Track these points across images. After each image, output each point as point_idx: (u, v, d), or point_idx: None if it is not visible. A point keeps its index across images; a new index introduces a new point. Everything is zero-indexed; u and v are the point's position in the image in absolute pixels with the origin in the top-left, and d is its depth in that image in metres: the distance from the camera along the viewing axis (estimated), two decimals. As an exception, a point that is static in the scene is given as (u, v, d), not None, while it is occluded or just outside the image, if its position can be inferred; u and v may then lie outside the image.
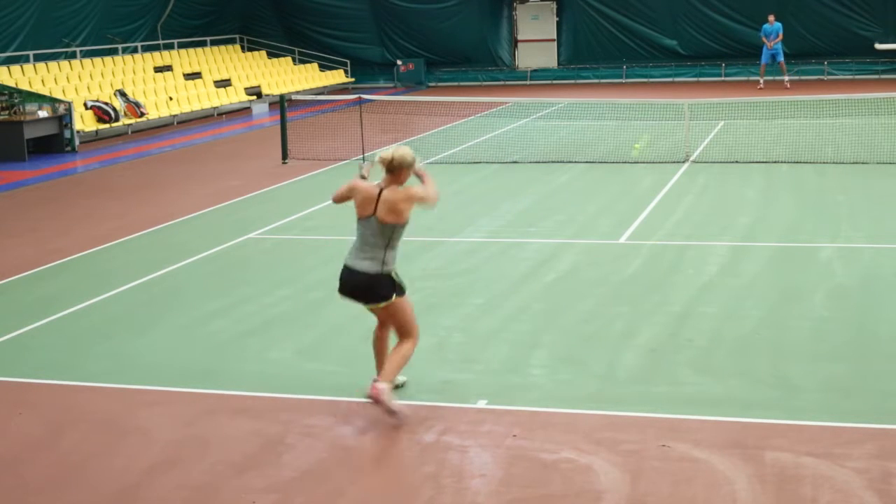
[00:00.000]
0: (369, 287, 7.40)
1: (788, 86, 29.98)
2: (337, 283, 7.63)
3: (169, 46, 31.38)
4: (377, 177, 7.53)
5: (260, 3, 35.76)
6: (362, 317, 9.89)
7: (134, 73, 28.20)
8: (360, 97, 21.71)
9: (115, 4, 29.35)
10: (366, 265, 7.36)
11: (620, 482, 6.43)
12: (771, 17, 30.23)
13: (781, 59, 30.36)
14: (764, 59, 30.37)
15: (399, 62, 35.28)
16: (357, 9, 35.45)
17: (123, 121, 25.35)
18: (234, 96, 29.92)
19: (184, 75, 29.62)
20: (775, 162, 17.69)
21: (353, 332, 9.47)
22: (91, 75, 26.82)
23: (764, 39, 30.24)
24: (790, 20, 32.62)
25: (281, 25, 36.13)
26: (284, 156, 19.73)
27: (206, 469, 6.87)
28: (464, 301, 10.35)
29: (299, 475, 6.74)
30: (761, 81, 30.36)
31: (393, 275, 7.43)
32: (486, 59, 35.70)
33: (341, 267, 7.55)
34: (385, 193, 7.34)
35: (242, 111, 29.77)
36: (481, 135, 22.31)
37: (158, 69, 29.14)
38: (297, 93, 30.94)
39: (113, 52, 29.04)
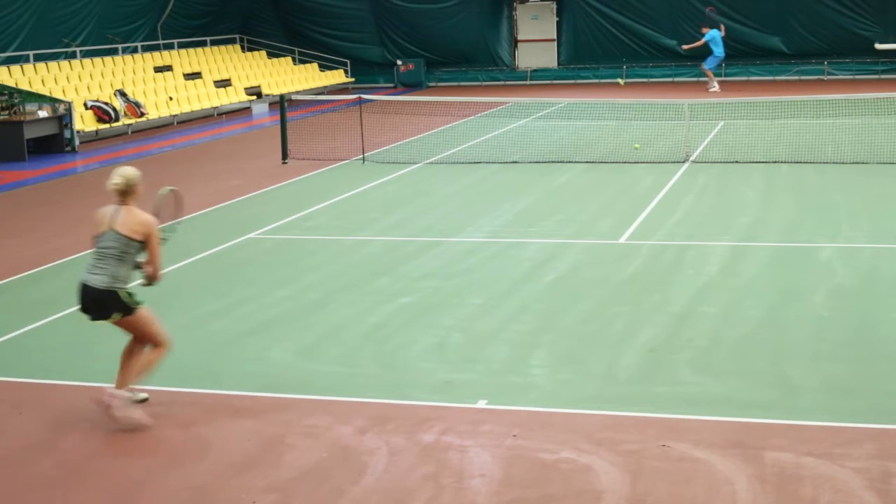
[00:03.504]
0: (100, 303, 7.45)
1: (713, 90, 30.12)
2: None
3: (169, 46, 31.38)
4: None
5: (260, 3, 35.75)
6: (362, 317, 9.94)
7: (134, 73, 28.20)
8: (360, 97, 21.71)
9: (115, 4, 29.34)
10: (95, 280, 7.41)
11: (620, 482, 6.43)
12: (706, 30, 30.52)
13: (708, 65, 30.46)
14: (713, 64, 30.69)
15: (399, 62, 35.28)
16: (357, 9, 35.45)
17: (123, 121, 25.35)
18: (234, 96, 29.92)
19: (184, 75, 29.62)
20: (775, 162, 17.69)
21: (353, 332, 9.48)
22: (91, 75, 26.82)
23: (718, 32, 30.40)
24: (790, 20, 32.66)
25: (281, 25, 36.13)
26: (284, 156, 19.73)
27: (206, 469, 6.87)
28: (464, 301, 10.35)
29: (299, 475, 6.74)
30: (715, 84, 30.34)
31: (121, 292, 7.46)
32: (486, 59, 35.69)
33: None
34: (122, 211, 7.45)
35: (242, 111, 29.77)
36: (481, 135, 22.31)
37: (158, 69, 29.14)
38: (297, 93, 30.94)
39: (113, 52, 29.03)
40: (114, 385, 7.55)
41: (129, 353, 7.70)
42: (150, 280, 7.58)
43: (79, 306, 7.60)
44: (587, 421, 7.38)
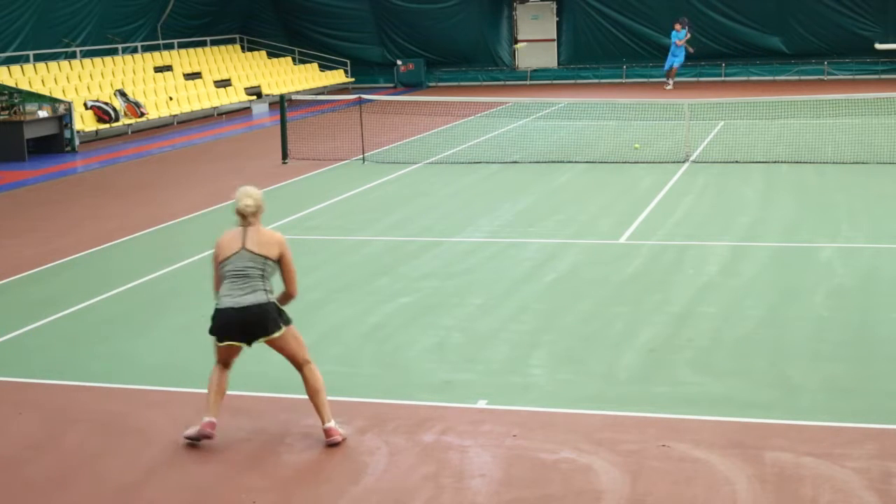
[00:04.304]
0: (263, 318, 7.06)
1: (667, 87, 31.04)
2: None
3: (169, 46, 31.38)
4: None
5: (260, 3, 35.75)
6: (362, 317, 9.93)
7: (134, 73, 28.20)
8: (360, 97, 21.71)
9: (115, 4, 29.34)
10: (250, 298, 7.04)
11: (620, 482, 6.43)
12: (678, 26, 31.29)
13: (677, 64, 31.41)
14: (667, 65, 31.62)
15: (399, 62, 35.28)
16: (357, 9, 35.44)
17: (123, 121, 25.35)
18: (234, 96, 29.92)
19: (184, 75, 29.62)
20: (775, 162, 17.69)
21: (353, 332, 9.48)
22: (91, 75, 26.82)
23: (679, 42, 31.33)
24: (790, 20, 32.65)
25: (281, 25, 36.12)
26: (284, 156, 19.73)
27: (206, 469, 6.87)
28: (464, 301, 10.35)
29: (299, 475, 6.74)
30: (670, 83, 31.30)
31: (277, 303, 7.20)
32: (486, 59, 35.69)
33: (216, 315, 7.12)
34: (250, 231, 7.17)
35: (242, 111, 29.77)
36: (481, 135, 22.31)
37: (158, 69, 29.14)
38: (297, 93, 30.94)
39: (113, 52, 29.03)
40: (326, 424, 7.18)
41: (220, 384, 7.29)
42: (288, 298, 7.31)
43: (226, 334, 7.09)
44: (587, 421, 7.38)
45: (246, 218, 7.17)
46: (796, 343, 8.87)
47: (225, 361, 7.31)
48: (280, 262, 7.20)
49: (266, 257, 7.13)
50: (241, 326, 7.08)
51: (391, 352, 8.99)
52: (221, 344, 7.16)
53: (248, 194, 7.20)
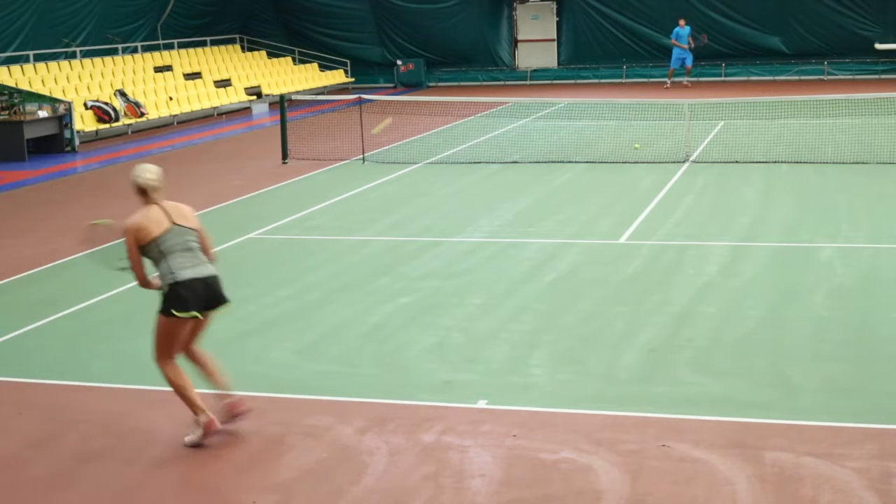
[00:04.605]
0: (221, 287, 7.27)
1: (689, 85, 31.38)
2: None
3: (169, 46, 31.38)
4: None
5: (260, 3, 35.76)
6: (362, 317, 9.94)
7: (134, 73, 28.21)
8: (360, 97, 21.72)
9: (115, 4, 29.35)
10: (207, 269, 7.19)
11: (620, 482, 6.43)
12: (682, 21, 31.73)
13: (690, 63, 31.79)
14: (673, 63, 31.91)
15: (399, 62, 35.29)
16: (357, 9, 35.46)
17: (123, 121, 25.35)
18: (234, 96, 29.92)
19: (184, 75, 29.62)
20: (775, 162, 17.69)
21: (353, 332, 9.48)
22: (91, 75, 26.82)
23: (675, 42, 31.67)
24: (790, 20, 32.66)
25: (281, 25, 36.14)
26: (284, 156, 19.74)
27: (206, 469, 6.87)
28: (464, 301, 10.35)
29: (299, 475, 6.74)
30: (668, 82, 31.74)
31: None
32: (486, 59, 35.70)
33: (180, 288, 7.07)
34: (166, 207, 7.18)
35: (242, 111, 29.77)
36: (481, 135, 22.31)
37: (158, 69, 29.14)
38: (297, 93, 30.94)
39: (113, 52, 29.04)
40: (225, 395, 7.33)
41: (187, 379, 7.32)
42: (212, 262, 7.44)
43: (193, 305, 7.10)
44: (587, 421, 7.38)
45: (148, 194, 7.17)
46: (796, 343, 8.87)
47: (172, 352, 7.26)
48: (198, 231, 7.31)
49: (192, 229, 7.25)
50: (207, 296, 7.18)
51: (391, 352, 8.99)
52: (186, 315, 7.11)
53: (148, 169, 7.23)
